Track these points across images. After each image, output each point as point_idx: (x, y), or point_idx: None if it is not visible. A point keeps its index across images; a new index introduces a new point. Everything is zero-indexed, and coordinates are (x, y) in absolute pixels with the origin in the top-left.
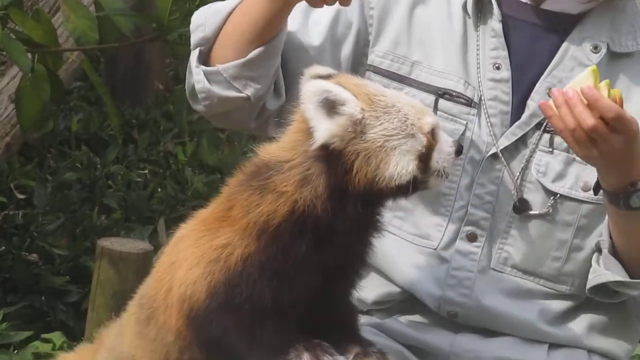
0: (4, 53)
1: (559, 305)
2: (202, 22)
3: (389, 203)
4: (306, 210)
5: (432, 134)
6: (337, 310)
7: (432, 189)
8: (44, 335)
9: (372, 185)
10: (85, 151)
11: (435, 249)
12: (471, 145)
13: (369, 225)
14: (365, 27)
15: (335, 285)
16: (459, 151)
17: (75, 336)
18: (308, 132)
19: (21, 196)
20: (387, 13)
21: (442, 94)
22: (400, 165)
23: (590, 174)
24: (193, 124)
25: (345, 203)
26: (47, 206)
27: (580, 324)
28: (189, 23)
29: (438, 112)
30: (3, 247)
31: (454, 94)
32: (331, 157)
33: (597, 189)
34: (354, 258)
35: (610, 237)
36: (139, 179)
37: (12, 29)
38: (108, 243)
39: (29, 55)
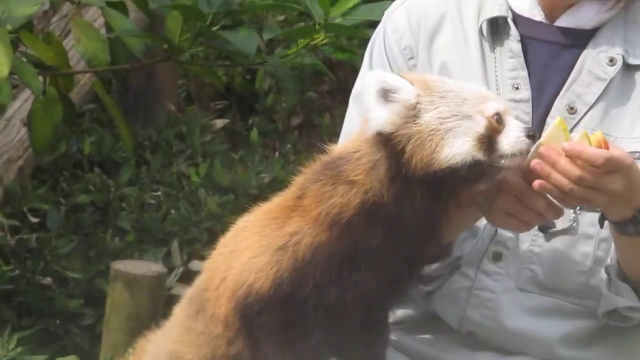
0: (16, 76)
1: (584, 325)
2: None
3: (459, 190)
4: (376, 200)
5: (497, 119)
6: (375, 324)
7: (509, 170)
8: (58, 359)
9: (429, 168)
10: (98, 173)
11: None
12: None
13: (436, 216)
14: None
15: (388, 295)
16: (531, 135)
17: (90, 359)
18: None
19: (34, 219)
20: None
21: None
22: (455, 147)
23: None
24: (206, 145)
25: (408, 188)
26: (60, 229)
27: (602, 347)
28: (200, 43)
29: None
30: (17, 271)
31: None
32: (388, 142)
33: (601, 221)
34: (419, 256)
35: (618, 263)
36: (152, 201)
37: (23, 52)
38: (122, 266)
39: (41, 78)
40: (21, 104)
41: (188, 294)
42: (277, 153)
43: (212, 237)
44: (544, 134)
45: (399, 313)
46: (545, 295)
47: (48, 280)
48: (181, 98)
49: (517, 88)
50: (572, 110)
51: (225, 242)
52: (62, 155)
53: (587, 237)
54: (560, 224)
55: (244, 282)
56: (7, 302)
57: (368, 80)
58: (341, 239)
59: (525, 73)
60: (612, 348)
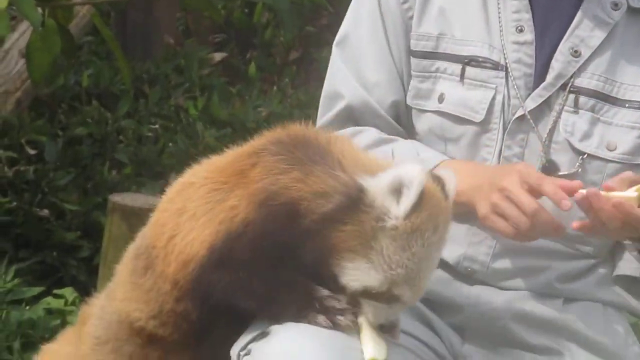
0: (14, 8)
1: (579, 264)
2: None
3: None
4: (301, 213)
5: (392, 299)
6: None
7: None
8: (55, 291)
9: (332, 255)
10: (95, 106)
11: None
12: (502, 109)
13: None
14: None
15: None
16: (385, 330)
17: (87, 291)
18: (376, 172)
19: (32, 151)
20: None
21: (468, 61)
22: (351, 274)
23: (614, 134)
24: (204, 78)
25: (316, 238)
26: (58, 161)
27: (595, 279)
28: None
29: (466, 81)
30: (14, 203)
31: (480, 59)
32: (353, 201)
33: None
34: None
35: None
36: (150, 134)
37: None
38: (120, 198)
39: (39, 9)
40: (19, 35)
41: (132, 250)
42: (275, 87)
43: None
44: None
45: None
46: (543, 238)
47: (45, 212)
48: (179, 31)
49: (520, 30)
50: (576, 53)
51: (172, 198)
52: (60, 87)
53: (592, 184)
54: (565, 168)
55: (192, 252)
56: (4, 234)
57: (410, 169)
58: (265, 223)
59: (529, 15)
60: (601, 278)
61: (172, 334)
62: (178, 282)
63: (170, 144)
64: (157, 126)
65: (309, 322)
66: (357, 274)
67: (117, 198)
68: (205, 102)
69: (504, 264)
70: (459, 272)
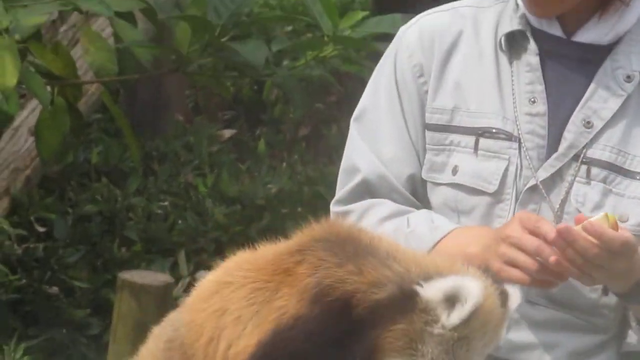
0: (24, 86)
1: (591, 340)
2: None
3: None
4: (354, 304)
5: None
6: None
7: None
8: None
9: (378, 352)
10: (105, 183)
11: None
12: (515, 179)
13: None
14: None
15: None
16: None
17: None
18: (432, 275)
19: (41, 229)
20: (430, 73)
21: (481, 133)
22: None
23: (626, 206)
24: (213, 155)
25: (365, 331)
26: (67, 239)
27: (606, 357)
28: (209, 54)
29: (479, 152)
30: (24, 281)
31: (494, 130)
32: (406, 298)
33: (605, 289)
34: None
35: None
36: (160, 211)
37: (31, 61)
38: (129, 276)
39: (49, 87)
40: (29, 113)
41: (162, 339)
42: (284, 164)
43: (219, 247)
44: (593, 218)
45: None
46: (554, 309)
47: (55, 289)
48: (189, 108)
49: (533, 102)
50: (588, 124)
51: (206, 297)
52: (69, 164)
53: None
54: None
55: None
56: (14, 311)
57: (476, 289)
58: (319, 319)
59: (542, 87)
60: (612, 356)
61: None
62: None
63: (180, 221)
64: (166, 203)
65: None
66: None
67: (126, 275)
68: (214, 179)
69: (516, 336)
70: None
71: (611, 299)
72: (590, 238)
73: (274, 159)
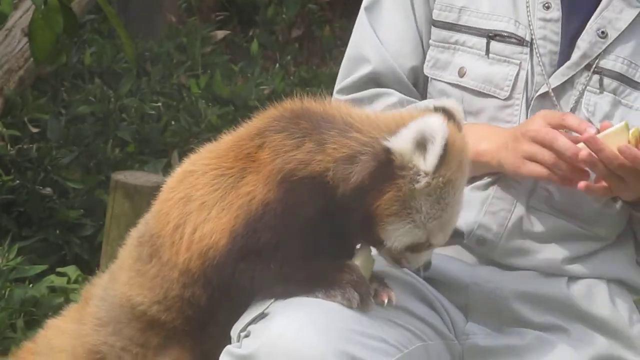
0: None
1: (591, 246)
2: None
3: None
4: (330, 183)
5: (429, 246)
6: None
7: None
8: (59, 269)
9: (375, 221)
10: (98, 84)
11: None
12: (525, 86)
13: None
14: None
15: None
16: (424, 267)
17: (90, 269)
18: (395, 130)
19: (35, 130)
20: None
21: (493, 36)
22: (397, 236)
23: (634, 118)
24: (206, 56)
25: (355, 207)
26: (60, 139)
27: (600, 259)
28: None
29: (490, 55)
30: (17, 181)
31: (505, 34)
32: (384, 165)
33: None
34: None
35: None
36: (153, 112)
37: None
38: (122, 176)
39: None
40: (22, 13)
41: (135, 236)
42: (277, 65)
43: None
44: (608, 130)
45: None
46: (555, 217)
47: (48, 190)
48: (182, 9)
49: (548, 7)
50: (603, 34)
51: (173, 187)
52: (62, 65)
53: None
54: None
55: (212, 242)
56: (7, 212)
57: (433, 121)
58: (286, 199)
59: None
60: (607, 257)
61: (174, 319)
62: (190, 271)
63: (173, 122)
64: (159, 104)
65: (339, 300)
66: (400, 234)
67: (119, 176)
68: (207, 80)
69: (516, 237)
70: (463, 249)
71: (613, 209)
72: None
73: (267, 60)
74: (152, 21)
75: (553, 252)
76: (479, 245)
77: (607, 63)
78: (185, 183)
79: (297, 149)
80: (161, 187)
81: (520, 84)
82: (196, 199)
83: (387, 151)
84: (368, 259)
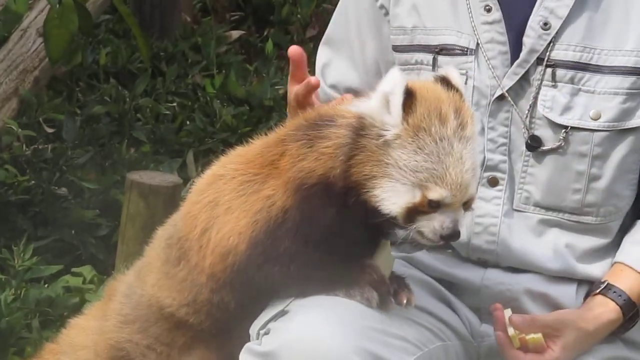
0: None
1: (587, 242)
2: None
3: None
4: (331, 180)
5: (434, 204)
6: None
7: (393, 237)
8: (74, 269)
9: (359, 189)
10: (113, 84)
11: None
12: (475, 92)
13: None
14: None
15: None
16: (446, 239)
17: (105, 269)
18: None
19: (50, 130)
20: None
21: (438, 50)
22: (386, 197)
23: (598, 103)
24: (221, 56)
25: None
26: (76, 140)
27: (608, 261)
28: None
29: (438, 70)
30: (32, 182)
31: (449, 47)
32: (357, 131)
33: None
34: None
35: None
36: (168, 112)
37: None
38: (137, 176)
39: None
40: (37, 14)
41: (163, 237)
42: None
43: (227, 148)
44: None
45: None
46: (542, 215)
47: (63, 190)
48: (197, 9)
49: (488, 10)
50: (545, 26)
51: (202, 190)
52: (78, 65)
53: (580, 155)
54: (550, 142)
55: (232, 246)
56: (23, 212)
57: (391, 75)
58: (302, 207)
59: None
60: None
61: (203, 322)
62: (215, 275)
63: (188, 122)
64: (174, 104)
65: (359, 300)
66: (387, 196)
67: (134, 176)
68: (222, 80)
69: (511, 241)
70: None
71: (595, 198)
72: None
73: (281, 59)
74: (167, 21)
75: (554, 246)
76: (482, 262)
77: (558, 54)
78: (214, 187)
79: (307, 158)
80: (176, 186)
81: (469, 92)
82: (223, 203)
83: (359, 117)
84: (388, 258)
